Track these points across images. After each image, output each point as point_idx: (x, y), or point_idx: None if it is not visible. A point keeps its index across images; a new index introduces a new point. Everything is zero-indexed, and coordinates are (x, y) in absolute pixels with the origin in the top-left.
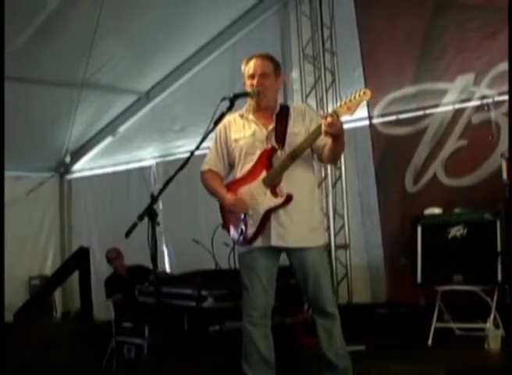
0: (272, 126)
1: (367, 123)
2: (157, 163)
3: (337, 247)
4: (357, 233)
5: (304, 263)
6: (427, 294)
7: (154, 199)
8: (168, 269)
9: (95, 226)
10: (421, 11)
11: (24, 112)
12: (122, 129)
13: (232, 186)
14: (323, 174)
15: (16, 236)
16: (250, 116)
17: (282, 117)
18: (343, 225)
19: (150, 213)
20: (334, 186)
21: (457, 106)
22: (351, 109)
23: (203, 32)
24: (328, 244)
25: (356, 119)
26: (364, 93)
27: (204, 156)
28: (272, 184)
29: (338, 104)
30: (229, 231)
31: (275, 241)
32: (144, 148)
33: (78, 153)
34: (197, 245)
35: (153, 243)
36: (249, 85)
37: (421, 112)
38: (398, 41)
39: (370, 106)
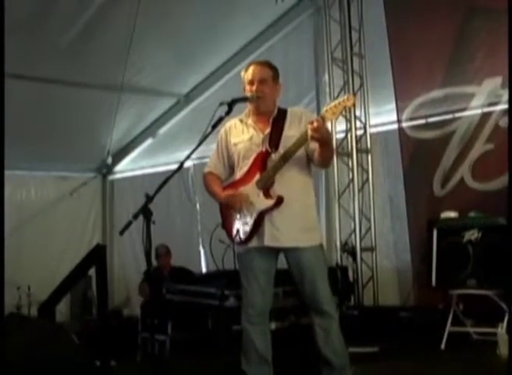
0: (268, 130)
1: (396, 126)
2: (194, 165)
3: (363, 249)
4: (386, 236)
5: (299, 263)
6: (444, 297)
7: (149, 199)
8: (204, 270)
9: (136, 225)
10: (452, 15)
11: (69, 115)
12: (162, 131)
13: (230, 188)
14: (350, 177)
15: (60, 235)
16: (249, 121)
17: (278, 121)
18: (370, 228)
19: (145, 212)
20: (361, 189)
21: (485, 110)
22: (335, 114)
23: (241, 35)
24: (349, 246)
25: (385, 123)
26: (347, 98)
27: None
28: (265, 186)
29: (324, 109)
30: (227, 231)
31: (268, 242)
32: (182, 150)
33: (119, 154)
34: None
35: (147, 240)
36: (248, 91)
37: (449, 116)
38: (428, 45)
39: (399, 110)
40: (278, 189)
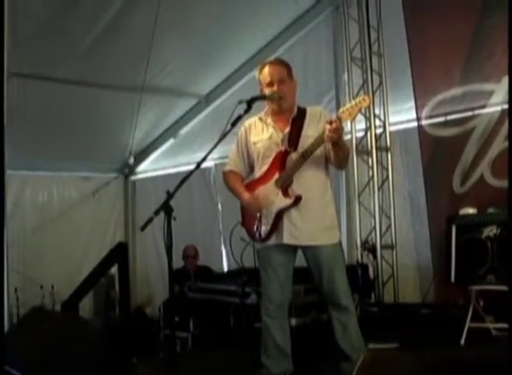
0: (287, 129)
1: (415, 124)
2: (216, 164)
3: (383, 247)
4: (406, 233)
5: (317, 260)
6: (464, 294)
7: (169, 195)
8: (225, 269)
9: (158, 224)
10: (470, 12)
11: (90, 115)
12: (183, 131)
13: (250, 186)
14: (370, 175)
15: (82, 235)
16: (269, 120)
17: (297, 120)
18: (390, 225)
19: (166, 209)
20: (381, 187)
21: (504, 107)
22: (352, 115)
23: (261, 35)
24: (369, 243)
25: (404, 120)
26: (363, 99)
27: None
28: (284, 185)
29: (340, 110)
30: (247, 229)
31: (287, 239)
32: (204, 150)
33: (141, 155)
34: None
35: (168, 237)
36: (272, 94)
37: (469, 113)
38: (446, 43)
39: (418, 108)
40: (296, 188)
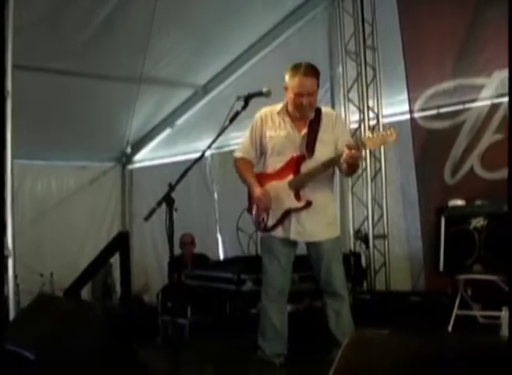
0: (304, 131)
1: (408, 117)
2: (212, 154)
3: (375, 237)
4: (398, 223)
5: (319, 253)
6: (453, 283)
7: (171, 188)
8: (221, 256)
9: (156, 213)
10: (464, 6)
11: (88, 106)
12: (180, 121)
13: (262, 178)
14: (363, 166)
15: (80, 223)
16: (286, 118)
17: (314, 123)
18: (382, 215)
19: (167, 200)
20: (374, 178)
21: (494, 101)
22: (374, 146)
23: (257, 27)
24: (362, 233)
25: (397, 113)
26: (390, 133)
27: None
28: (297, 188)
29: (366, 136)
30: (252, 216)
31: (294, 236)
32: (200, 140)
33: (138, 144)
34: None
35: (170, 226)
36: (297, 103)
37: (459, 107)
38: (439, 36)
39: (411, 101)
40: (308, 192)
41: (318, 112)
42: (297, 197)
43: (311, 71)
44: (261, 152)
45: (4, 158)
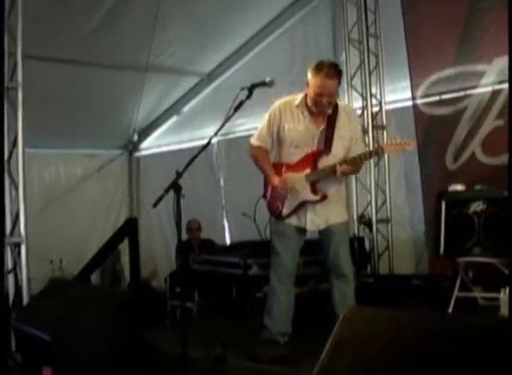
0: (322, 126)
1: (410, 103)
2: (218, 141)
3: (379, 221)
4: (401, 208)
5: (330, 236)
6: (454, 266)
7: (178, 175)
8: (228, 242)
9: (163, 201)
10: None
11: (95, 95)
12: (186, 109)
13: (279, 168)
14: None
15: (88, 210)
16: (306, 112)
17: (332, 119)
18: (385, 200)
19: (175, 187)
20: (377, 164)
21: (495, 87)
22: (394, 152)
23: (262, 15)
24: (366, 218)
25: (400, 100)
26: (408, 143)
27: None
28: (313, 182)
29: (387, 142)
30: (268, 203)
31: (310, 227)
32: (206, 127)
33: (145, 132)
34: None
35: (178, 213)
36: (317, 101)
37: (461, 93)
38: (441, 23)
39: (413, 87)
40: (323, 185)
41: (335, 107)
42: (314, 190)
43: (334, 72)
44: (277, 142)
45: (3, 146)
